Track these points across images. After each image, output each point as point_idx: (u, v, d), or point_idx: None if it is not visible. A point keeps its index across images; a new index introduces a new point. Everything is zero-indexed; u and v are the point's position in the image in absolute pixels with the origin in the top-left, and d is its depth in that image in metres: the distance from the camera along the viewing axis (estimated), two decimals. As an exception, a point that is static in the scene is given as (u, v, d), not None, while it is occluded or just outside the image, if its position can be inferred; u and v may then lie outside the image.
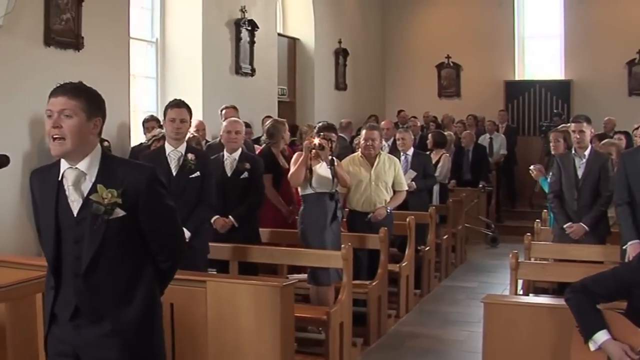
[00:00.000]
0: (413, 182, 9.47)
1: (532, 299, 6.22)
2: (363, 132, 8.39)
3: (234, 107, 9.73)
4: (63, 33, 8.01)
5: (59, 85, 3.42)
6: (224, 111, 9.51)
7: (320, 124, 8.09)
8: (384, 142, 11.19)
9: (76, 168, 3.40)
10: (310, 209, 7.21)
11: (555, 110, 16.58)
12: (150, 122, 9.14)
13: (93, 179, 3.39)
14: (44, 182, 3.51)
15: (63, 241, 3.43)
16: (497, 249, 12.68)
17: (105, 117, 3.51)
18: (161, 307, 3.69)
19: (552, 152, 8.37)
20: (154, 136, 7.78)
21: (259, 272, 7.29)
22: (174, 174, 6.11)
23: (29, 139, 7.63)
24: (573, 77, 17.27)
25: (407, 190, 8.68)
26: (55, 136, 3.33)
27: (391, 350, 7.31)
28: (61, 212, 3.42)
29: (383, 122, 12.29)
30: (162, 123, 7.31)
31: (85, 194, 3.39)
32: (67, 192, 3.42)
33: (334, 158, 7.34)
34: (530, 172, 8.88)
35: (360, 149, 8.29)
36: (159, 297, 3.66)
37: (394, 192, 8.25)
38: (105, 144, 7.87)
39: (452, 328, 8.09)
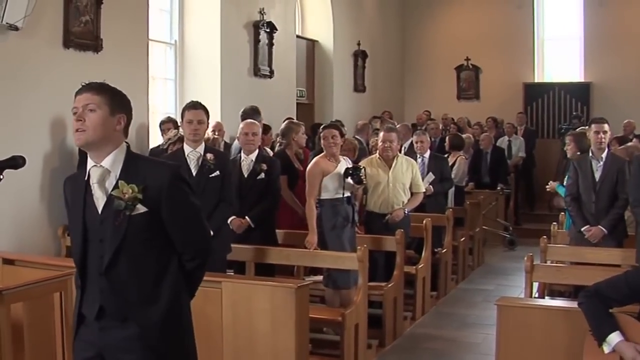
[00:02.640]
0: (431, 186, 9.48)
1: (546, 301, 6.24)
2: (381, 134, 8.40)
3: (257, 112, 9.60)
4: (82, 35, 8.07)
5: (84, 84, 3.47)
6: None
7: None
8: (404, 144, 11.25)
9: (101, 166, 3.43)
10: (327, 213, 7.23)
11: (574, 113, 16.51)
12: (167, 124, 9.15)
13: (117, 176, 3.42)
14: (75, 185, 3.56)
15: (89, 240, 3.45)
16: (515, 252, 12.63)
17: (131, 117, 3.57)
18: (189, 308, 3.64)
19: (568, 155, 8.33)
20: (170, 139, 7.83)
21: (277, 273, 7.32)
22: (194, 174, 6.17)
23: (48, 140, 7.69)
24: (592, 80, 17.17)
25: (424, 194, 8.70)
26: (78, 129, 3.39)
27: (406, 353, 7.31)
28: (88, 211, 3.45)
29: (398, 126, 12.28)
30: (179, 125, 7.36)
31: (109, 191, 3.42)
32: (92, 190, 3.45)
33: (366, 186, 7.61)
34: (548, 189, 8.87)
35: (378, 151, 8.31)
36: (187, 298, 3.63)
37: (412, 194, 8.27)
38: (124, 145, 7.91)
39: (468, 331, 8.07)
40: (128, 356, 3.41)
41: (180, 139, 7.07)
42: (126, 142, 8.20)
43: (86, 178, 3.47)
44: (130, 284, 3.41)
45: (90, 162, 3.47)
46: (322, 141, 7.36)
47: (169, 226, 3.47)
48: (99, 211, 3.43)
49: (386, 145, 8.12)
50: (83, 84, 3.49)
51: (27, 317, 5.03)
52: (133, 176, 3.41)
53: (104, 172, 3.43)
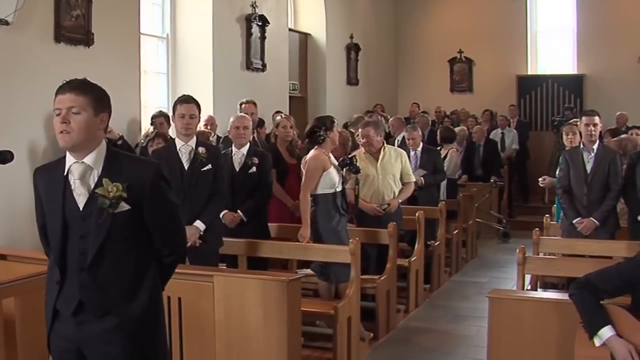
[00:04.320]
0: (422, 178, 9.48)
1: (537, 293, 6.25)
2: (359, 130, 8.38)
3: (254, 103, 9.71)
4: (73, 29, 8.05)
5: (64, 82, 3.45)
6: (243, 106, 9.50)
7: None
8: (397, 138, 11.27)
9: (82, 162, 3.43)
10: (325, 208, 7.11)
11: (566, 105, 16.52)
12: (158, 118, 9.14)
13: (99, 173, 3.43)
14: (49, 178, 3.54)
15: (69, 236, 3.45)
16: (508, 244, 12.63)
17: (111, 113, 3.55)
18: (163, 301, 3.72)
19: (567, 146, 8.30)
20: (147, 136, 7.83)
21: (270, 267, 7.32)
22: (186, 168, 6.17)
23: (40, 135, 7.68)
24: (586, 72, 17.19)
25: (417, 186, 8.69)
26: (63, 131, 3.37)
27: (400, 345, 7.32)
28: (67, 207, 3.44)
29: (391, 120, 12.31)
30: (172, 119, 7.35)
31: (91, 188, 3.42)
32: (73, 187, 3.44)
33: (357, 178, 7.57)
34: (542, 184, 8.86)
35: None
36: (161, 291, 3.70)
37: (403, 184, 8.26)
38: (119, 142, 7.91)
39: (461, 323, 8.08)
40: (108, 348, 3.44)
41: (158, 135, 7.07)
42: (122, 137, 8.21)
43: (65, 173, 3.47)
44: (112, 279, 3.44)
45: (70, 158, 3.47)
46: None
47: (150, 223, 3.51)
48: (81, 208, 3.43)
49: (364, 141, 8.09)
50: (64, 81, 3.46)
51: (19, 312, 5.01)
52: (116, 174, 3.42)
53: (85, 168, 3.44)
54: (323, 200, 7.11)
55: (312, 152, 7.21)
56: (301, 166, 7.28)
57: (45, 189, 3.56)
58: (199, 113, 6.35)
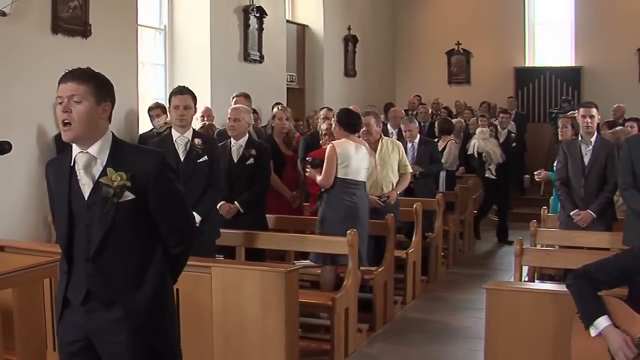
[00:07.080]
0: (417, 165, 9.49)
1: (534, 285, 6.26)
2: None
3: (245, 96, 9.71)
4: (71, 20, 8.04)
5: (67, 71, 3.45)
6: (234, 99, 9.53)
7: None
8: (391, 130, 11.24)
9: (87, 152, 3.43)
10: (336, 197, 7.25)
11: (563, 97, 16.53)
12: (155, 110, 9.16)
13: (104, 163, 3.43)
14: (58, 170, 3.55)
15: (75, 226, 3.46)
16: (505, 236, 12.63)
17: (115, 102, 3.55)
18: (173, 293, 3.71)
19: (560, 138, 8.33)
20: (166, 123, 7.81)
21: (267, 258, 7.32)
22: (182, 159, 6.16)
23: (37, 126, 7.67)
24: (583, 64, 17.19)
25: (412, 175, 8.70)
26: (65, 121, 3.38)
27: (397, 337, 7.33)
28: (73, 197, 3.45)
29: (393, 110, 12.28)
30: (168, 110, 7.36)
31: (96, 178, 3.43)
32: (78, 176, 3.45)
33: None
34: (537, 178, 8.86)
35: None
36: (171, 283, 3.68)
37: (400, 175, 8.26)
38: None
39: (458, 315, 8.08)
40: (114, 338, 3.44)
41: None
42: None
43: (72, 164, 3.47)
44: (117, 269, 3.44)
45: (75, 149, 3.47)
46: None
47: (155, 212, 3.50)
48: (86, 197, 3.44)
49: (364, 130, 8.05)
50: (67, 70, 3.47)
51: (17, 303, 5.01)
52: (120, 163, 3.43)
53: (90, 158, 3.44)
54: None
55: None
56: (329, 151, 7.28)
57: (54, 180, 3.57)
58: (195, 104, 6.34)
